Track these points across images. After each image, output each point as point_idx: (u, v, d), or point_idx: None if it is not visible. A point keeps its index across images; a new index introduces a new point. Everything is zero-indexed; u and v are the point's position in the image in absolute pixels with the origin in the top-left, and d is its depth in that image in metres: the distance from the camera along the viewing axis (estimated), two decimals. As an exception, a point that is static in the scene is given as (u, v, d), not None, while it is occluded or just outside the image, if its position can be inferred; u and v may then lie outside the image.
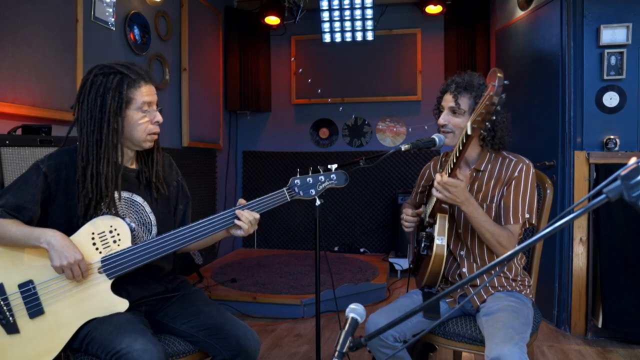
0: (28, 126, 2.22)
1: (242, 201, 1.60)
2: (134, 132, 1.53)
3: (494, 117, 1.43)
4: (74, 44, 2.77)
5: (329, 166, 1.64)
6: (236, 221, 1.56)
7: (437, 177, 1.63)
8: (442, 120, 1.78)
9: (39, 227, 1.46)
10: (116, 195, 1.54)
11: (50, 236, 1.42)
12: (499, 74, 1.33)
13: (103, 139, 1.49)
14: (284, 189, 1.61)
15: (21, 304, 1.44)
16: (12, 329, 1.43)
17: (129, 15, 3.29)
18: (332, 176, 1.63)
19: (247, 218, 1.56)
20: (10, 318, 1.43)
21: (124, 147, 1.56)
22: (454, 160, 1.61)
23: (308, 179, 1.62)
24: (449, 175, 1.63)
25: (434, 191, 1.65)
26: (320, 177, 1.62)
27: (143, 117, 1.53)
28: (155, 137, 1.60)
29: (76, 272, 1.42)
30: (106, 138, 1.49)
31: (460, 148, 1.56)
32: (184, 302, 1.67)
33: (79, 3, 2.79)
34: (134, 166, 1.64)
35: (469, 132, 1.47)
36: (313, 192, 1.62)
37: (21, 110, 2.40)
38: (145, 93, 1.53)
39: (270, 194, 1.60)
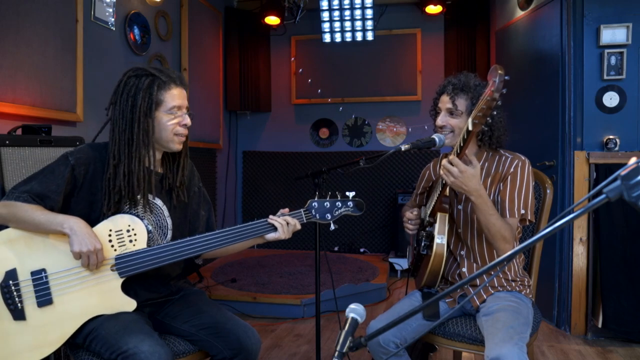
0: (28, 126, 2.22)
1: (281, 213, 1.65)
2: (162, 132, 1.55)
3: (495, 112, 1.44)
4: (74, 44, 2.77)
5: (347, 193, 1.66)
6: (270, 220, 1.60)
7: (444, 161, 1.61)
8: (439, 121, 1.78)
9: (62, 214, 1.47)
10: (149, 197, 1.57)
11: (74, 222, 1.44)
12: (499, 70, 1.34)
13: (134, 138, 1.51)
14: (302, 210, 1.64)
15: (31, 292, 1.45)
16: (19, 315, 1.44)
17: (129, 15, 3.29)
18: (349, 204, 1.66)
19: (284, 219, 1.60)
20: (19, 304, 1.44)
21: (153, 148, 1.57)
22: (458, 151, 1.60)
23: (325, 204, 1.65)
24: (458, 156, 1.60)
25: (440, 172, 1.63)
26: (337, 203, 1.65)
27: (171, 119, 1.55)
28: (183, 139, 1.61)
29: (92, 261, 1.43)
30: (137, 137, 1.51)
31: (462, 144, 1.56)
32: (185, 302, 1.68)
33: (79, 3, 2.79)
34: (159, 170, 1.65)
35: (470, 128, 1.48)
36: (329, 216, 1.65)
37: (21, 110, 2.40)
38: (175, 96, 1.55)
39: (289, 213, 1.63)
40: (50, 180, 1.48)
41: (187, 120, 1.59)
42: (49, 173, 1.49)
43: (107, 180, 1.52)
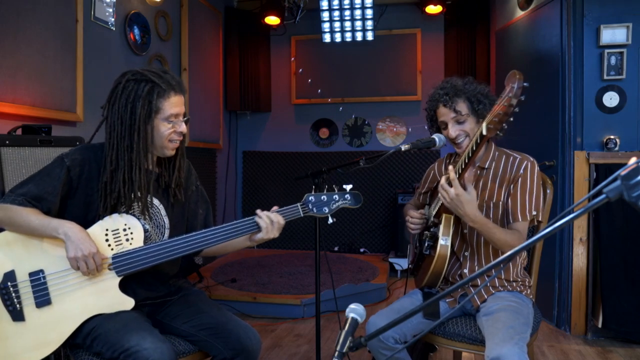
0: (28, 126, 2.22)
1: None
2: (157, 140, 1.55)
3: (512, 119, 1.43)
4: (74, 44, 2.77)
5: (344, 186, 1.64)
6: (257, 219, 1.57)
7: (443, 179, 1.62)
8: (452, 133, 1.75)
9: (57, 218, 1.47)
10: (149, 199, 1.57)
11: (68, 228, 1.44)
12: (518, 76, 1.33)
13: (134, 147, 1.51)
14: (298, 204, 1.62)
15: (29, 292, 1.45)
16: (18, 316, 1.44)
17: (129, 15, 3.29)
18: (346, 196, 1.64)
19: (267, 216, 1.57)
20: (18, 305, 1.45)
21: (152, 153, 1.58)
22: (466, 161, 1.60)
23: (322, 197, 1.63)
24: (459, 176, 1.62)
25: (439, 189, 1.65)
26: (334, 196, 1.64)
27: (168, 128, 1.55)
28: (177, 145, 1.61)
29: (90, 265, 1.43)
30: (137, 145, 1.51)
31: (474, 148, 1.55)
32: (185, 302, 1.68)
33: (79, 3, 2.79)
34: (155, 170, 1.65)
35: (484, 133, 1.47)
36: (326, 210, 1.64)
37: (21, 110, 2.40)
38: (173, 104, 1.54)
39: (284, 208, 1.61)
40: (47, 183, 1.48)
41: (183, 128, 1.58)
42: (45, 175, 1.50)
43: (103, 183, 1.52)
